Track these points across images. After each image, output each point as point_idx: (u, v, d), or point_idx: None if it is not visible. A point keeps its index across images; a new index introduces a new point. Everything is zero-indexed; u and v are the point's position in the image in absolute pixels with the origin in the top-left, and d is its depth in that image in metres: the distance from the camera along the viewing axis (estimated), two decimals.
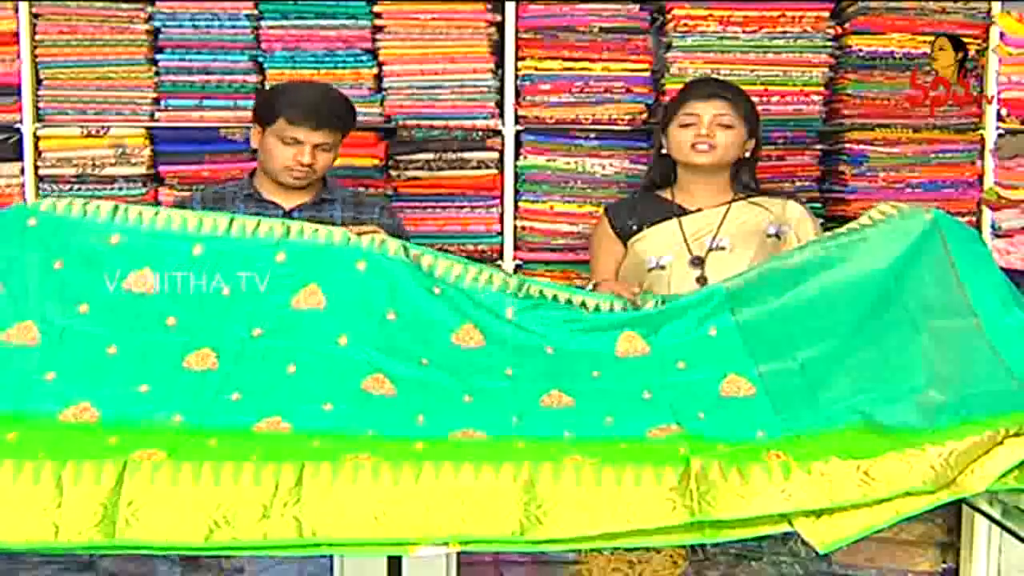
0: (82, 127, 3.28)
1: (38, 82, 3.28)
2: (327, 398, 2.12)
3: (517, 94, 3.31)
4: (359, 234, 2.42)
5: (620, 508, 1.82)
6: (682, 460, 1.87)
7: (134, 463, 1.86)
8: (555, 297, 2.44)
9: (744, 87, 2.91)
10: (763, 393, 2.19)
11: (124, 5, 3.26)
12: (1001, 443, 1.82)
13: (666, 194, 2.85)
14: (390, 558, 2.05)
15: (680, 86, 3.25)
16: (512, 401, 2.17)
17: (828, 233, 2.49)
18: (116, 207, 2.41)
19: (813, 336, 2.29)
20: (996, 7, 3.26)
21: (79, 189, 3.26)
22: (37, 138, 3.28)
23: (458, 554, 2.12)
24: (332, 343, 2.27)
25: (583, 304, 2.44)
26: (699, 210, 2.77)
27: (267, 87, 3.18)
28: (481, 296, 2.40)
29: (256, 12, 3.28)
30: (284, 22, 3.27)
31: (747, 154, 2.79)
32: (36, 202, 2.44)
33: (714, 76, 3.14)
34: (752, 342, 2.32)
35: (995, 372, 2.04)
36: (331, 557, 2.12)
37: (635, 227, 2.82)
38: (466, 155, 3.31)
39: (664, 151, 2.82)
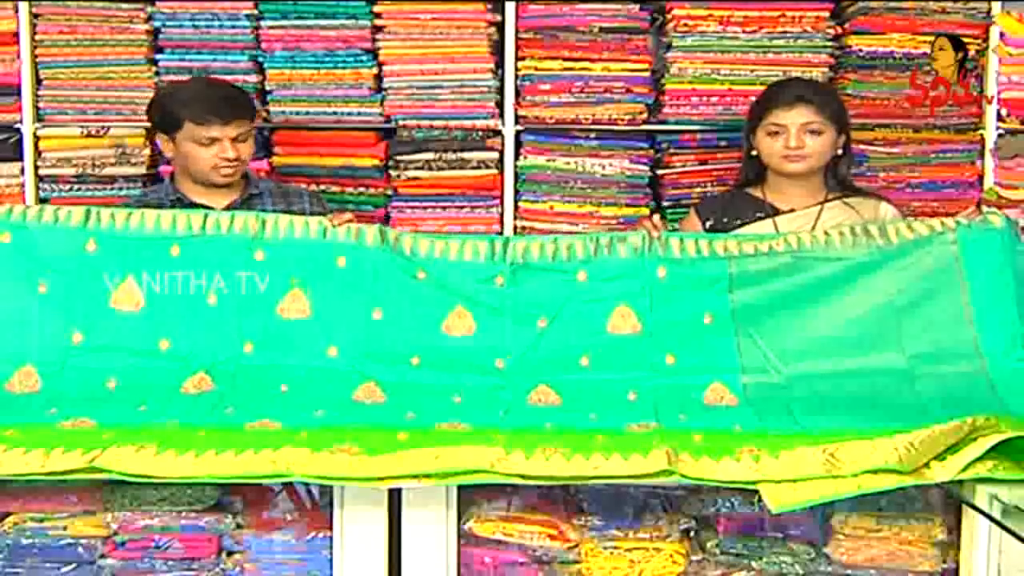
0: (82, 127, 3.28)
1: (38, 82, 3.29)
2: (319, 408, 2.17)
3: (517, 94, 3.31)
4: (334, 224, 2.42)
5: (591, 466, 1.90)
6: (655, 447, 1.93)
7: (122, 446, 1.91)
8: (542, 252, 2.41)
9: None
10: (745, 404, 2.25)
11: (124, 5, 3.26)
12: (974, 439, 1.89)
13: (757, 192, 2.80)
14: (389, 552, 2.06)
15: (679, 86, 3.27)
16: (501, 400, 2.21)
17: (850, 239, 2.46)
18: (88, 210, 2.39)
19: (803, 353, 2.34)
20: (996, 7, 3.26)
21: (79, 189, 3.27)
22: (37, 138, 3.28)
23: (457, 554, 2.11)
24: (321, 356, 2.29)
25: (570, 250, 2.40)
26: (792, 210, 2.74)
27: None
28: (469, 268, 2.39)
29: (256, 12, 3.29)
30: (284, 22, 3.28)
31: (840, 151, 2.75)
32: (5, 211, 2.38)
33: (797, 76, 3.03)
34: (744, 339, 2.35)
35: (988, 405, 2.12)
36: (331, 560, 2.11)
37: (729, 224, 2.76)
38: (466, 155, 3.31)
39: (754, 152, 2.77)
